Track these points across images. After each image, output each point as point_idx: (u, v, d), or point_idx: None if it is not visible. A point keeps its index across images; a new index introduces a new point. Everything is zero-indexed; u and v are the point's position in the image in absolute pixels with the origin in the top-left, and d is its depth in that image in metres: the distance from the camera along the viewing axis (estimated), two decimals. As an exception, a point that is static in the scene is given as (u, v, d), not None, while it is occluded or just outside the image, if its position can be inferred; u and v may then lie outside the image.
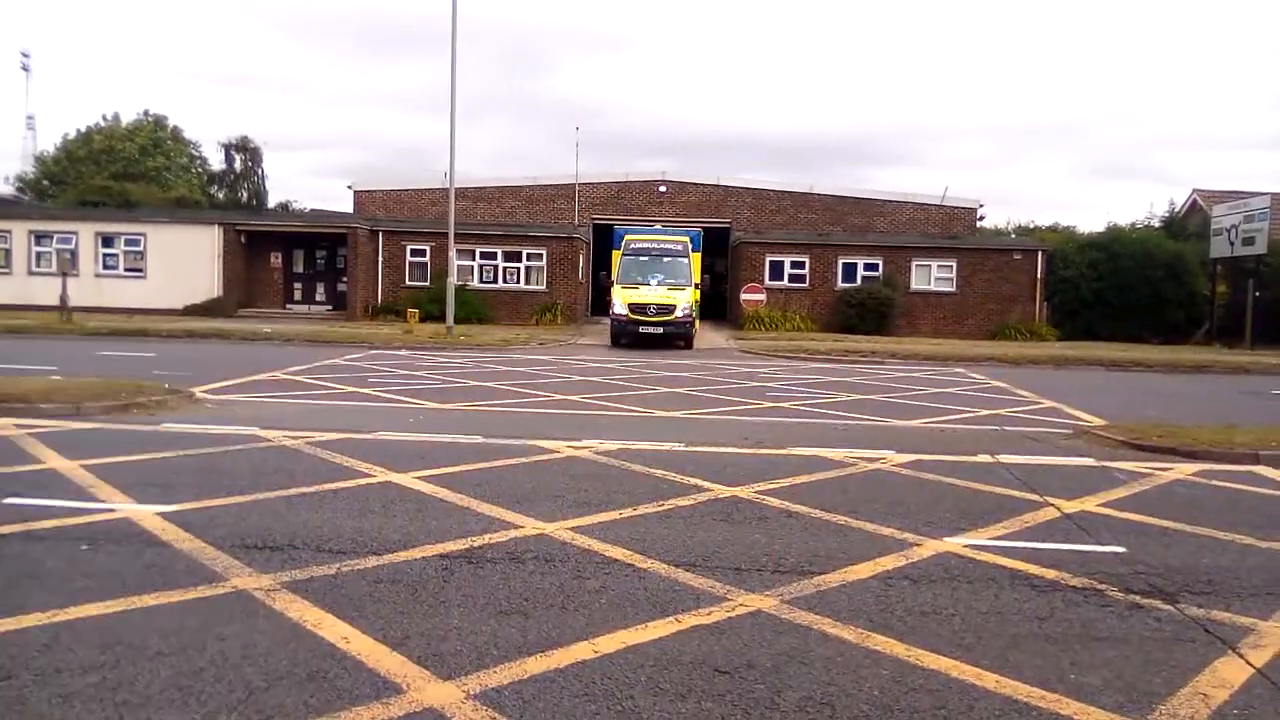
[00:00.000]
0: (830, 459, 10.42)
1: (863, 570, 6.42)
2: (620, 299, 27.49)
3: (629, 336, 27.52)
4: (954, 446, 11.61)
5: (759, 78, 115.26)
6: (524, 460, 9.92)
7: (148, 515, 7.25)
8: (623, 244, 29.53)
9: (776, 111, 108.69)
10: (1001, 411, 15.55)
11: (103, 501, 7.66)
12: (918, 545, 7.06)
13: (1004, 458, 10.80)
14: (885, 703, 4.42)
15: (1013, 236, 50.94)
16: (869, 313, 35.91)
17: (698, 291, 28.68)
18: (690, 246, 29.44)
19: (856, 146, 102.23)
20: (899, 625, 5.43)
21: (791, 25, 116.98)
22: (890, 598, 5.90)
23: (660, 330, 27.01)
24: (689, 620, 5.40)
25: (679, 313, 27.03)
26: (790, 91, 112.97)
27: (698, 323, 29.47)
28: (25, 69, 70.39)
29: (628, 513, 7.79)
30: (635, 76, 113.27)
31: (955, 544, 7.12)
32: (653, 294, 27.39)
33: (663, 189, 44.18)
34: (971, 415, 14.98)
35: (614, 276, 28.97)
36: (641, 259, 28.62)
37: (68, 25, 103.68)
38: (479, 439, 11.08)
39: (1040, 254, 37.70)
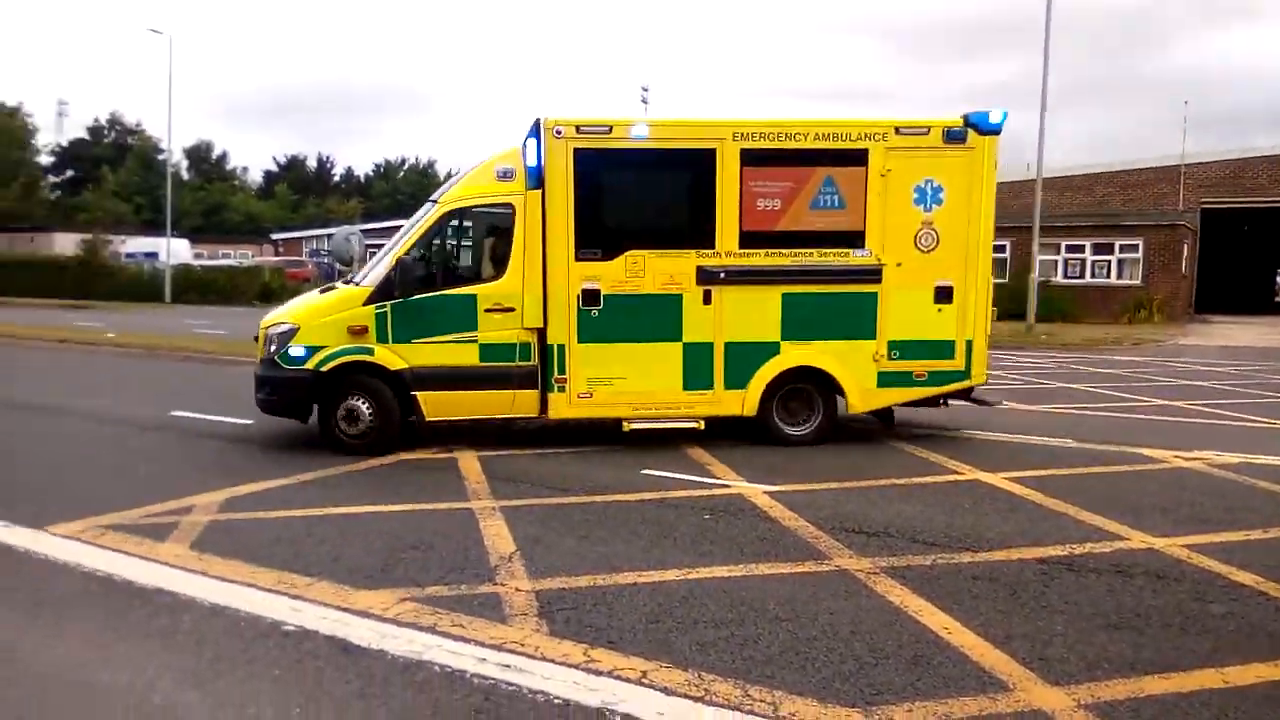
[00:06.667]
0: None
1: None
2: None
3: None
4: None
5: None
6: (1125, 468, 9.22)
7: (758, 493, 8.01)
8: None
9: None
10: None
11: (719, 479, 8.61)
12: None
13: None
14: None
15: None
16: None
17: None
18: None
19: None
20: None
21: None
22: None
23: None
24: (1347, 665, 4.63)
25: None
26: None
27: None
28: (644, 102, 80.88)
29: (1257, 534, 6.88)
30: (1261, 44, 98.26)
31: None
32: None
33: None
34: None
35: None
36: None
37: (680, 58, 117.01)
38: (1070, 443, 10.53)
39: None
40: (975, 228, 9.98)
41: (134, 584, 5.69)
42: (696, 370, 9.90)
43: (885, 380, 10.07)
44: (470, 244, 10.67)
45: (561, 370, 9.78)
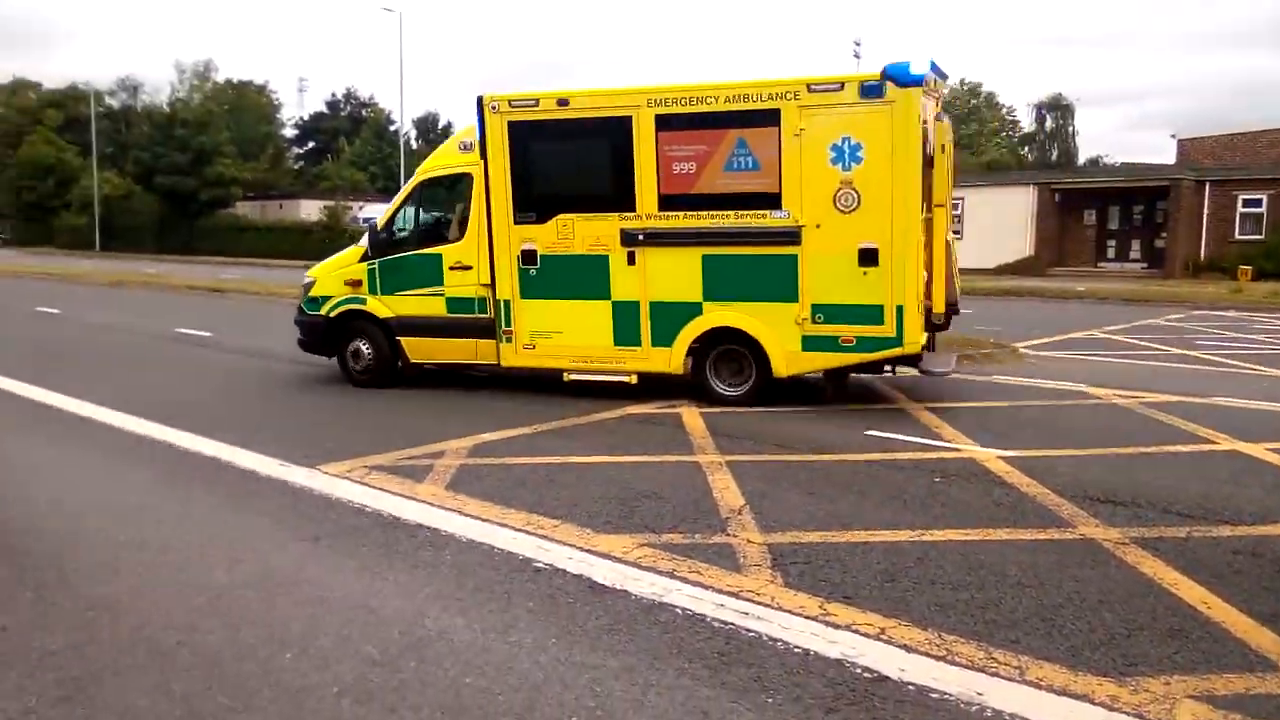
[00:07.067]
0: None
1: None
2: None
3: None
4: None
5: None
6: None
7: (990, 457, 7.80)
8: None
9: None
10: None
11: (948, 442, 8.43)
12: None
13: None
14: None
15: None
16: None
17: None
18: None
19: None
20: None
21: None
22: None
23: None
24: None
25: None
26: None
27: None
28: (857, 56, 78.50)
29: None
30: None
31: None
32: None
33: None
34: None
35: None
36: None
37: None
38: (1343, 414, 9.63)
39: None
40: (901, 186, 9.12)
41: (399, 519, 6.20)
42: (625, 327, 10.25)
43: (810, 344, 9.64)
44: (438, 208, 11.75)
45: (508, 323, 10.65)
